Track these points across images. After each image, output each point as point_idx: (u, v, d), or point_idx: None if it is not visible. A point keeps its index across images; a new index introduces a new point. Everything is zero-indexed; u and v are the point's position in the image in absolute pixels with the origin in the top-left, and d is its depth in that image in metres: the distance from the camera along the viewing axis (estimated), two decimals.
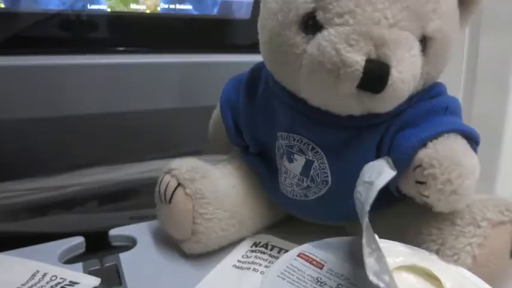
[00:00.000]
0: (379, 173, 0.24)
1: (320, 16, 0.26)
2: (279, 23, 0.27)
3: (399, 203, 0.31)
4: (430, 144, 0.27)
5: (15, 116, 0.42)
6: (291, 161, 0.31)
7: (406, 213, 0.30)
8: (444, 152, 0.26)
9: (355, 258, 0.26)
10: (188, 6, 0.47)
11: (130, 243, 0.35)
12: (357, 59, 0.24)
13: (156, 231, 0.36)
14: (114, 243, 0.36)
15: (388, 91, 0.25)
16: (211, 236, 0.32)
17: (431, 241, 0.28)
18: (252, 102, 0.34)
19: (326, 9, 0.25)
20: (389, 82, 0.24)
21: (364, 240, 0.22)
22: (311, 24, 0.26)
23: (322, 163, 0.30)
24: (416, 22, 0.26)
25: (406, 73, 0.25)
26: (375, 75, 0.24)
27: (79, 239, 0.35)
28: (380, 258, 0.20)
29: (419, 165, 0.26)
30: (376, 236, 0.23)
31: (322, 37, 0.25)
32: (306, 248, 0.27)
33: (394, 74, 0.24)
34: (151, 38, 0.47)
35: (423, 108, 0.29)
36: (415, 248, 0.27)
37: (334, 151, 0.30)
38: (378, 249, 0.21)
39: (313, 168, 0.30)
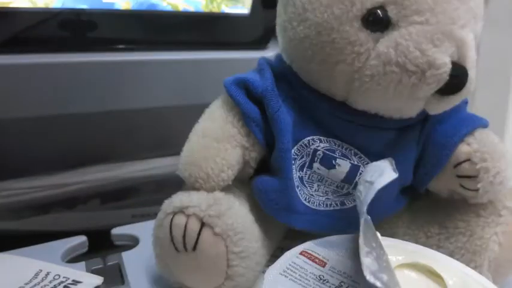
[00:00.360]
0: (380, 174, 0.24)
1: (392, 12, 0.24)
2: (334, 17, 0.24)
3: (416, 201, 0.32)
4: (470, 139, 0.28)
5: (17, 114, 0.42)
6: (331, 167, 0.28)
7: (425, 210, 0.31)
8: (490, 146, 0.27)
9: (357, 256, 0.26)
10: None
11: (132, 242, 0.36)
12: (445, 60, 0.23)
13: None
14: (117, 242, 0.36)
15: (461, 94, 0.24)
16: (249, 275, 0.27)
17: (459, 234, 0.29)
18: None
19: (401, 5, 0.23)
20: (466, 85, 0.24)
21: (361, 240, 0.22)
22: (374, 20, 0.24)
23: (365, 164, 0.29)
24: (473, 24, 0.25)
25: (474, 75, 0.25)
26: (458, 79, 0.24)
27: (82, 238, 0.35)
28: (380, 256, 0.20)
29: (466, 160, 0.27)
30: (378, 234, 0.24)
31: (400, 36, 0.23)
32: (308, 245, 0.27)
33: (471, 75, 0.24)
34: (151, 35, 0.47)
35: None
36: (417, 245, 0.27)
37: (377, 154, 0.28)
38: (378, 247, 0.21)
39: (360, 173, 0.28)
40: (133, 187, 0.50)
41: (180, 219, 0.25)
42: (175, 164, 0.51)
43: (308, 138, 0.29)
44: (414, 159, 0.29)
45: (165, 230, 0.26)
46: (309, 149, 0.29)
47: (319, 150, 0.29)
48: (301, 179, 0.29)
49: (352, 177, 0.28)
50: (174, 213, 0.26)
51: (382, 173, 0.24)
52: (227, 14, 0.49)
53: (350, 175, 0.28)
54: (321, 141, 0.29)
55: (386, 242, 0.26)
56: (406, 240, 0.28)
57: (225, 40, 0.50)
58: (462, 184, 0.28)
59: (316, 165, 0.29)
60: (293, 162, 0.28)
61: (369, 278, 0.19)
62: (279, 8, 0.28)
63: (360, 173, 0.28)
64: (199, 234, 0.25)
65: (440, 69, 0.23)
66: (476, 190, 0.27)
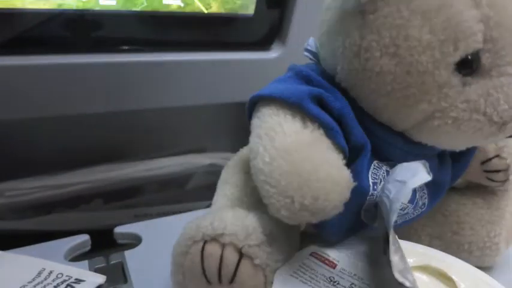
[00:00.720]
0: (413, 174, 0.23)
1: (487, 60, 0.23)
2: (433, 60, 0.22)
3: None
4: None
5: (21, 115, 0.43)
6: None
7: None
8: None
9: (368, 258, 0.26)
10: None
11: (135, 241, 0.36)
12: None
13: (161, 228, 0.36)
14: (120, 241, 0.36)
15: None
16: None
17: (478, 208, 0.32)
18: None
19: (496, 54, 0.23)
20: None
21: (390, 238, 0.22)
22: (467, 65, 0.23)
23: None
24: None
25: None
26: None
27: (85, 237, 0.35)
28: (403, 257, 0.20)
29: (495, 156, 0.30)
30: (396, 236, 0.23)
31: (492, 86, 0.23)
32: (319, 247, 0.27)
33: None
34: (155, 36, 0.47)
35: None
36: (428, 248, 0.27)
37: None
38: (400, 248, 0.21)
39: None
40: (136, 187, 0.50)
41: (214, 249, 0.23)
42: (177, 164, 0.51)
43: (374, 161, 0.27)
44: (450, 170, 0.31)
45: (194, 259, 0.23)
46: (382, 171, 0.27)
47: (389, 171, 0.27)
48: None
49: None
50: (205, 241, 0.23)
51: (415, 174, 0.23)
52: (231, 14, 0.49)
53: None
54: (385, 165, 0.28)
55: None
56: (423, 223, 0.31)
57: (229, 41, 0.50)
58: (490, 177, 0.31)
59: None
60: (375, 187, 0.26)
61: (398, 276, 0.19)
62: (348, 25, 0.25)
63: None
64: (237, 266, 0.22)
65: None
66: (504, 181, 0.31)
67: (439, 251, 0.27)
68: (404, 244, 0.26)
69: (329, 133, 0.24)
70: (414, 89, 0.23)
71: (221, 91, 0.38)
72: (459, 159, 0.31)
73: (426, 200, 0.29)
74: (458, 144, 0.27)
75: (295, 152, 0.22)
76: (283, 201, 0.21)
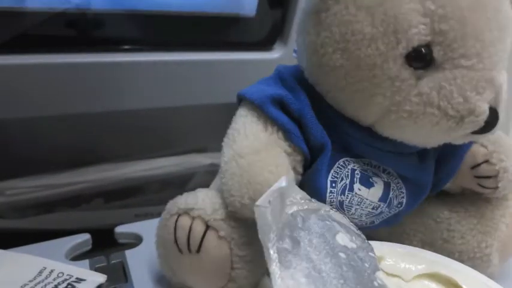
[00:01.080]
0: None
1: (438, 53, 0.23)
2: (379, 52, 0.23)
3: None
4: (485, 141, 0.29)
5: (23, 114, 0.43)
6: (370, 185, 0.28)
7: (433, 199, 0.32)
8: (506, 146, 0.29)
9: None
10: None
11: (136, 241, 0.36)
12: (485, 108, 0.23)
13: None
14: (120, 241, 0.36)
15: (489, 134, 0.25)
16: (253, 278, 0.27)
17: (470, 216, 0.31)
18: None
19: (448, 47, 0.23)
20: (497, 126, 0.24)
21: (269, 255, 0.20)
22: (420, 58, 0.23)
23: (398, 183, 0.29)
24: (506, 60, 0.25)
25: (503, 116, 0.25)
26: (492, 123, 0.24)
27: (85, 236, 0.35)
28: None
29: (484, 162, 0.29)
30: (354, 227, 0.24)
31: (444, 79, 0.23)
32: None
33: (501, 118, 0.24)
34: (156, 36, 0.47)
35: None
36: (437, 255, 0.26)
37: (403, 175, 0.29)
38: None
39: (392, 189, 0.28)
40: (137, 186, 0.50)
41: (185, 221, 0.26)
42: (178, 163, 0.51)
43: (342, 159, 0.28)
44: (433, 170, 0.30)
45: (170, 230, 0.26)
46: (346, 170, 0.28)
47: (356, 169, 0.28)
48: (341, 203, 0.28)
49: (387, 195, 0.28)
50: (179, 215, 0.26)
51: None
52: (233, 14, 0.49)
53: (385, 193, 0.28)
54: (354, 162, 0.28)
55: (405, 249, 0.26)
56: (415, 228, 0.31)
57: (231, 41, 0.50)
58: (481, 184, 0.30)
59: (356, 186, 0.28)
60: (334, 185, 0.27)
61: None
62: (307, 24, 0.26)
63: (392, 189, 0.28)
64: (203, 236, 0.25)
65: (479, 116, 0.23)
66: (495, 188, 0.29)
67: (449, 258, 0.26)
68: (413, 250, 0.26)
69: (287, 135, 0.27)
70: (366, 83, 0.24)
71: (222, 91, 0.38)
72: (448, 162, 0.30)
73: (404, 199, 0.29)
74: (422, 139, 0.26)
75: (246, 156, 0.25)
76: (229, 199, 0.25)
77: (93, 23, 0.43)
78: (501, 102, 0.24)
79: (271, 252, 0.20)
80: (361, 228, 0.26)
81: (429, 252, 0.26)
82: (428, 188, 0.30)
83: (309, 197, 0.24)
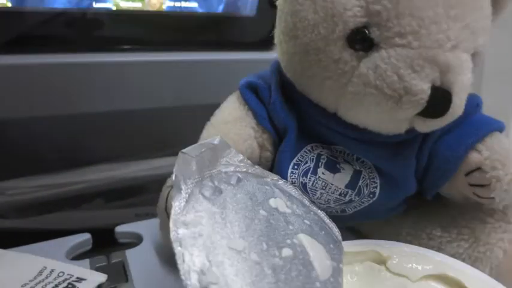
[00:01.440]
0: None
1: (375, 34, 0.23)
2: (320, 37, 0.24)
3: (423, 203, 0.31)
4: (480, 147, 0.27)
5: (23, 114, 0.43)
6: (336, 171, 0.28)
7: (430, 212, 0.31)
8: (502, 152, 0.26)
9: None
10: (193, 4, 0.47)
11: (136, 240, 0.36)
12: (423, 87, 0.22)
13: None
14: (121, 240, 0.36)
15: (446, 117, 0.24)
16: None
17: (462, 240, 0.28)
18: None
19: (383, 27, 0.23)
20: (450, 110, 0.24)
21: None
22: (359, 39, 0.24)
23: (370, 172, 0.28)
24: (472, 41, 0.24)
25: (464, 98, 0.25)
26: (439, 104, 0.23)
27: (86, 236, 0.35)
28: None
29: (477, 169, 0.26)
30: (307, 200, 0.25)
31: (380, 58, 0.23)
32: None
33: (456, 101, 0.23)
34: (156, 36, 0.47)
35: None
36: (446, 256, 0.26)
37: (376, 166, 0.28)
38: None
39: (362, 177, 0.28)
40: (137, 186, 0.50)
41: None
42: None
43: (311, 144, 0.29)
44: (413, 171, 0.29)
45: (162, 200, 0.29)
46: (312, 154, 0.29)
47: (323, 155, 0.29)
48: (304, 185, 0.28)
49: (355, 182, 0.28)
50: (172, 187, 0.27)
51: None
52: (233, 14, 0.49)
53: (353, 180, 0.28)
54: (323, 148, 0.29)
55: (412, 249, 0.26)
56: (409, 241, 0.29)
57: (231, 41, 0.50)
58: (475, 192, 0.27)
59: (320, 170, 0.28)
60: (296, 167, 0.29)
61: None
62: (277, 18, 0.28)
63: (363, 178, 0.28)
64: None
65: (417, 95, 0.23)
66: (491, 198, 0.27)
67: (457, 260, 0.26)
68: (422, 250, 0.26)
69: (254, 115, 0.30)
70: (316, 68, 0.25)
71: (222, 91, 0.38)
72: (441, 164, 0.28)
73: (377, 190, 0.28)
74: (374, 122, 0.26)
75: (217, 125, 0.30)
76: None
77: (93, 22, 0.43)
78: (454, 84, 0.23)
79: (183, 189, 0.20)
80: (333, 216, 0.27)
81: (437, 253, 0.26)
82: (408, 185, 0.29)
83: (251, 162, 0.26)
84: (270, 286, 0.18)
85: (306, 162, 0.29)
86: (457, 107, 0.24)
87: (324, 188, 0.28)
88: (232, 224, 0.20)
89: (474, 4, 0.24)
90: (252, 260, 0.19)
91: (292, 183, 0.28)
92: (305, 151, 0.29)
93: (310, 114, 0.29)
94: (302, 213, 0.24)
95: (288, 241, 0.21)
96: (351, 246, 0.25)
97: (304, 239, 0.22)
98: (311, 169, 0.28)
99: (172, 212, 0.19)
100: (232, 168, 0.24)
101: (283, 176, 0.28)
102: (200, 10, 0.48)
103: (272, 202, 0.23)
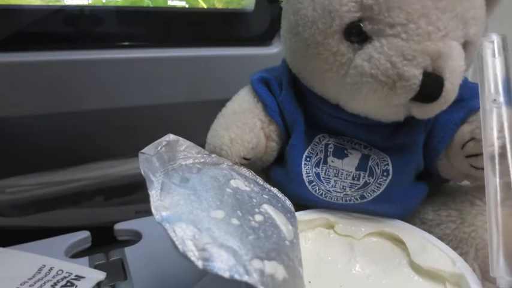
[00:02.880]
0: None
1: (367, 27, 0.25)
2: (319, 31, 0.26)
3: None
4: (473, 118, 0.28)
5: (23, 112, 0.43)
6: (344, 156, 0.30)
7: (426, 199, 0.31)
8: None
9: None
10: None
11: (135, 238, 0.36)
12: (415, 72, 0.24)
13: None
14: (120, 238, 0.36)
15: (440, 101, 0.25)
16: None
17: (450, 221, 0.30)
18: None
19: (375, 20, 0.25)
20: (443, 94, 0.25)
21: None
22: (355, 33, 0.26)
23: (378, 153, 0.30)
24: (461, 30, 0.26)
25: (456, 83, 0.26)
26: (431, 89, 0.25)
27: (85, 234, 0.35)
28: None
29: (470, 139, 0.28)
30: (260, 180, 0.28)
31: (374, 49, 0.25)
32: None
33: (448, 86, 0.25)
34: (154, 32, 0.47)
35: (459, 94, 0.28)
36: (387, 219, 0.29)
37: (384, 146, 0.30)
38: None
39: (372, 159, 0.30)
40: (137, 183, 0.50)
41: None
42: None
43: (318, 136, 0.31)
44: (422, 142, 0.30)
45: None
46: (321, 145, 0.30)
47: (330, 144, 0.30)
48: (317, 175, 0.30)
49: (365, 164, 0.30)
50: None
51: None
52: (232, 9, 0.49)
53: (363, 162, 0.30)
54: (330, 137, 0.31)
55: (357, 215, 0.29)
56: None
57: (229, 36, 0.50)
58: (472, 164, 0.28)
59: (330, 159, 0.30)
60: (308, 159, 0.30)
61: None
62: (281, 19, 0.30)
63: (372, 159, 0.30)
64: None
65: (409, 80, 0.24)
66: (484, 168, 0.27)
67: (395, 219, 0.29)
68: (365, 216, 0.29)
69: (264, 107, 0.32)
70: (316, 60, 0.27)
71: (221, 87, 0.38)
72: (436, 137, 0.29)
73: (389, 166, 0.29)
74: (375, 110, 0.27)
75: (226, 115, 0.31)
76: (207, 146, 0.30)
77: (93, 19, 0.43)
78: (445, 69, 0.24)
79: (155, 180, 0.23)
80: (355, 205, 0.29)
81: (376, 217, 0.29)
82: (418, 159, 0.30)
83: (207, 152, 0.28)
84: (255, 241, 0.21)
85: (317, 154, 0.30)
86: (450, 91, 0.25)
87: (336, 175, 0.30)
88: (207, 200, 0.22)
89: None
90: (233, 224, 0.21)
91: (307, 175, 0.30)
92: (314, 143, 0.31)
93: (317, 106, 0.30)
94: (259, 190, 0.27)
95: (257, 210, 0.24)
96: (302, 215, 0.28)
97: (268, 208, 0.25)
98: (322, 160, 0.30)
99: (151, 200, 0.21)
100: (191, 161, 0.26)
101: (297, 169, 0.30)
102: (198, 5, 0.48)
103: (233, 182, 0.26)
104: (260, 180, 0.28)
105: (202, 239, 0.19)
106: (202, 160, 0.27)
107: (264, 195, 0.26)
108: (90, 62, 0.43)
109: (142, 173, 0.23)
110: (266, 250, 0.20)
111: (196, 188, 0.23)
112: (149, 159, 0.24)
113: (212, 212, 0.22)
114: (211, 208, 0.22)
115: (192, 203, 0.22)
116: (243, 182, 0.26)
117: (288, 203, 0.28)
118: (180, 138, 0.27)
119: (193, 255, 0.18)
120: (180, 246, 0.18)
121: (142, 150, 0.24)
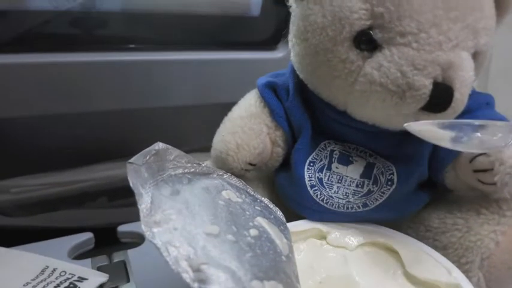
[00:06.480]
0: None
1: (377, 35, 0.25)
2: (328, 38, 0.26)
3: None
4: None
5: (28, 113, 0.43)
6: (349, 163, 0.30)
7: (429, 206, 0.31)
8: None
9: None
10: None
11: (138, 240, 0.36)
12: (425, 82, 0.24)
13: None
14: (123, 240, 0.36)
15: (448, 112, 0.25)
16: None
17: (456, 230, 0.29)
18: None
19: (385, 29, 0.25)
20: (452, 104, 0.25)
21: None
22: (365, 40, 0.25)
23: (383, 162, 0.29)
24: (472, 40, 0.25)
25: (466, 94, 0.26)
26: (441, 99, 0.24)
27: (88, 235, 0.35)
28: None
29: (480, 154, 0.27)
30: (251, 190, 0.27)
31: (384, 57, 0.25)
32: None
33: (457, 96, 0.25)
34: (160, 35, 0.47)
35: (466, 105, 0.28)
36: (379, 226, 0.29)
37: (389, 154, 0.29)
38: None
39: (377, 167, 0.29)
40: None
41: None
42: None
43: (324, 142, 0.31)
44: (429, 153, 0.30)
45: None
46: (326, 152, 0.30)
47: (335, 150, 0.30)
48: (320, 180, 0.30)
49: (370, 172, 0.29)
50: None
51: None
52: (238, 14, 0.49)
53: (367, 170, 0.29)
54: (336, 144, 0.30)
55: (348, 225, 0.29)
56: (408, 233, 0.30)
57: (235, 40, 0.50)
58: (479, 179, 0.28)
59: (334, 165, 0.30)
60: (312, 164, 0.30)
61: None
62: (290, 24, 0.30)
63: (377, 167, 0.29)
64: None
65: (419, 90, 0.24)
66: (494, 184, 0.27)
67: (388, 228, 0.29)
68: (356, 225, 0.29)
69: (270, 112, 0.31)
70: (325, 67, 0.27)
71: (226, 90, 0.38)
72: (443, 150, 0.28)
73: (394, 176, 0.29)
74: (383, 118, 0.27)
75: (233, 119, 0.31)
76: (213, 151, 0.31)
77: (97, 22, 0.43)
78: (456, 80, 0.24)
79: (144, 192, 0.21)
80: (356, 213, 0.29)
81: (369, 225, 0.29)
82: (422, 169, 0.29)
83: (197, 161, 0.28)
84: (253, 259, 0.20)
85: (321, 160, 0.30)
86: (459, 101, 0.25)
87: (339, 181, 0.30)
88: (200, 215, 0.22)
89: (474, 5, 0.25)
90: (229, 240, 0.21)
91: (310, 179, 0.30)
92: (319, 149, 0.31)
93: (323, 112, 0.30)
94: (250, 201, 0.26)
95: (251, 223, 0.23)
96: (294, 226, 0.28)
97: (262, 221, 0.24)
98: (326, 165, 0.30)
99: (141, 215, 0.20)
100: (180, 170, 0.25)
101: (300, 172, 0.30)
102: (204, 9, 0.48)
103: (224, 193, 0.25)
104: (251, 190, 0.28)
105: (197, 259, 0.18)
106: (192, 170, 0.26)
107: (256, 207, 0.26)
108: (99, 64, 0.44)
109: (131, 184, 0.21)
110: (264, 269, 0.20)
111: (188, 201, 0.22)
112: (138, 170, 0.23)
113: (206, 228, 0.21)
114: (205, 224, 0.21)
115: (185, 218, 0.21)
116: (234, 193, 0.26)
117: (280, 213, 0.27)
118: (170, 146, 0.26)
119: (189, 276, 0.17)
120: (173, 267, 0.18)
121: (130, 160, 0.23)
